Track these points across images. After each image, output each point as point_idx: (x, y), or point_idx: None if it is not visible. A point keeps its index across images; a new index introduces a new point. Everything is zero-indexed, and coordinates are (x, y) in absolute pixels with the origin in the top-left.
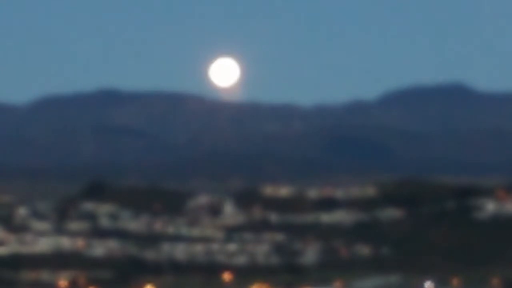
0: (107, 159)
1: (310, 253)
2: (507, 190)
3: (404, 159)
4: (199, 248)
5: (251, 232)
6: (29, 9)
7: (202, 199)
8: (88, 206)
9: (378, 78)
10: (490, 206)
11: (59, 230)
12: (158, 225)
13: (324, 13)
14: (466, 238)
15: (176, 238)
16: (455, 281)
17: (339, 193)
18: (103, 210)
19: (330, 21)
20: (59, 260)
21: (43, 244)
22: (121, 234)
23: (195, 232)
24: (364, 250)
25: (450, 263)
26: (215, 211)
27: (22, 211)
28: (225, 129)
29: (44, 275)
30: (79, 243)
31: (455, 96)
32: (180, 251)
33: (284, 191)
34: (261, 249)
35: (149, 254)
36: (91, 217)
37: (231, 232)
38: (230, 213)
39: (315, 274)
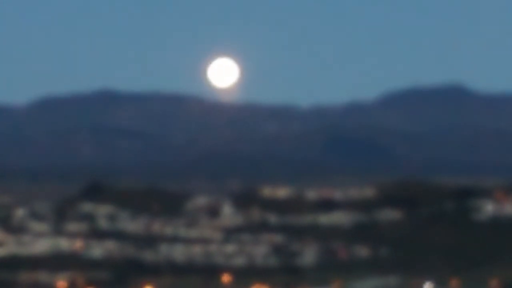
0: (105, 160)
1: (309, 254)
2: (506, 191)
3: (403, 160)
4: (197, 249)
5: (249, 233)
6: (28, 9)
7: (201, 200)
8: (87, 207)
9: (377, 79)
10: (489, 207)
11: (58, 231)
12: (157, 226)
13: (323, 14)
14: (465, 239)
15: (174, 239)
16: (454, 282)
17: (337, 194)
18: (102, 211)
19: (329, 21)
20: (57, 261)
21: (41, 245)
22: (119, 235)
23: (194, 233)
24: (363, 251)
25: (449, 264)
26: (213, 212)
27: (20, 212)
28: (223, 130)
29: (42, 276)
30: (77, 244)
31: (454, 97)
32: (178, 252)
33: (282, 192)
34: (260, 250)
35: (148, 255)
36: (89, 218)
37: (230, 233)
38: (229, 214)
39: (313, 275)
